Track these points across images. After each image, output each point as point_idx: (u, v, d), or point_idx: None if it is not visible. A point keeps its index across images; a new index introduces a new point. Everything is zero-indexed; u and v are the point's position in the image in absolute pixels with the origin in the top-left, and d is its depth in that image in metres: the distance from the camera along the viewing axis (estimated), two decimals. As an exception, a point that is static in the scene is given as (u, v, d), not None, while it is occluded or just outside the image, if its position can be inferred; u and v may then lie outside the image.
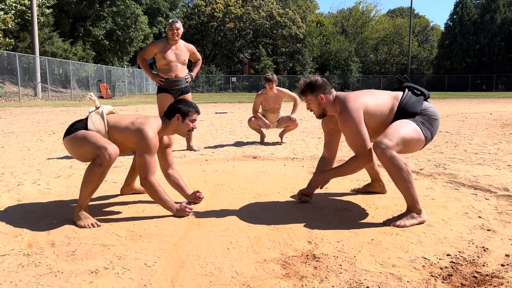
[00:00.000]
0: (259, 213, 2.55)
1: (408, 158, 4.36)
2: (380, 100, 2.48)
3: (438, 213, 2.52)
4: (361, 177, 3.45)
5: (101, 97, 23.66)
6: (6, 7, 19.32)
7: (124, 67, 32.37)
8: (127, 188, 3.00)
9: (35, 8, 19.67)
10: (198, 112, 2.61)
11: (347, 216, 2.48)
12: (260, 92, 5.60)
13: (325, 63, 50.73)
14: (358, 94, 2.51)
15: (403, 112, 2.45)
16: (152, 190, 2.45)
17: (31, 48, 20.69)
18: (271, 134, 6.34)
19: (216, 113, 12.30)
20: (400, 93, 2.55)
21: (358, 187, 3.12)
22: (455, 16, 44.46)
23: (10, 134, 6.99)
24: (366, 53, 52.30)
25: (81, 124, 2.51)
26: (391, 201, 2.74)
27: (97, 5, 29.30)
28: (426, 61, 50.59)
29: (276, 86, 5.49)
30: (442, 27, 52.37)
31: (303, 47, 48.36)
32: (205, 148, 5.28)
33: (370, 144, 2.44)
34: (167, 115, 2.57)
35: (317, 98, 2.53)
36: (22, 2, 20.03)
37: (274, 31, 50.14)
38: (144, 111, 12.83)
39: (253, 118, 5.49)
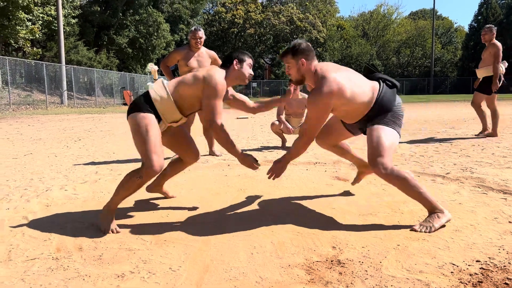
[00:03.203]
0: (282, 218, 2.55)
1: (434, 162, 4.27)
2: (360, 89, 2.41)
3: (466, 218, 2.45)
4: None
5: (125, 104, 24.09)
6: (34, 18, 19.95)
7: (147, 74, 32.91)
8: (156, 187, 3.00)
9: (61, 18, 20.23)
10: (252, 58, 2.67)
11: (372, 221, 2.45)
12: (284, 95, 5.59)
13: (346, 66, 50.37)
14: (340, 75, 2.37)
15: (379, 108, 2.43)
16: (220, 133, 2.48)
17: (57, 57, 21.27)
18: (293, 138, 6.32)
19: (237, 118, 12.35)
20: (376, 85, 2.50)
21: (356, 182, 3.13)
22: (479, 17, 43.51)
23: (38, 140, 7.19)
24: (388, 56, 51.72)
25: (141, 99, 2.51)
26: (416, 206, 2.68)
27: (121, 14, 29.95)
28: (450, 63, 49.67)
29: (301, 91, 5.48)
30: (466, 28, 51.28)
31: (324, 51, 48.16)
32: (227, 153, 5.30)
33: (317, 132, 2.48)
34: (224, 64, 2.60)
35: (298, 62, 2.43)
36: (49, 12, 20.63)
37: (294, 36, 50.13)
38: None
39: (275, 122, 5.49)
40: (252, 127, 9.06)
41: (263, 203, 2.88)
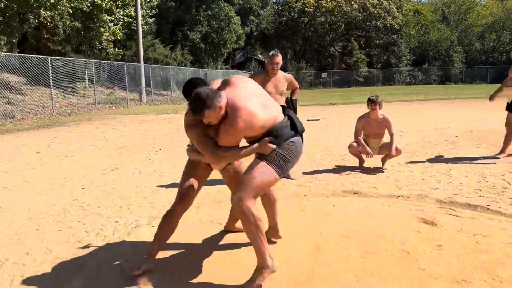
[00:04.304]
0: (366, 280, 2.46)
1: (481, 191, 3.89)
2: (267, 116, 2.37)
3: None
4: (479, 232, 3.15)
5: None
6: (115, 19, 21.15)
7: (218, 69, 33.68)
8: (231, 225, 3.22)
9: (140, 19, 21.24)
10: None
11: (468, 294, 2.29)
12: (362, 115, 5.40)
13: (423, 54, 47.64)
14: (249, 110, 2.28)
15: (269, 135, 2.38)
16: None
17: (136, 55, 22.43)
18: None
19: (308, 120, 12.20)
20: (281, 117, 2.46)
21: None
22: None
23: (122, 150, 7.65)
24: (470, 42, 48.03)
25: None
26: (518, 273, 2.46)
27: (194, 10, 30.81)
28: (543, 48, 44.96)
29: (380, 108, 5.25)
30: None
31: (399, 38, 45.91)
32: (303, 174, 5.26)
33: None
34: None
35: (216, 110, 2.29)
36: (129, 13, 21.75)
37: (367, 23, 48.31)
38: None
39: (354, 144, 5.32)
40: (325, 134, 8.89)
41: (346, 257, 2.80)
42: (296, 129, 2.47)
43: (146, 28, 24.17)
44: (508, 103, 5.79)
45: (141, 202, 4.25)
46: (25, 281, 2.58)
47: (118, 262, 2.80)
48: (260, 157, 2.42)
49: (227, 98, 2.32)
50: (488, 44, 47.56)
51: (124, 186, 4.98)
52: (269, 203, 2.89)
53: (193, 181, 2.70)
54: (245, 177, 2.38)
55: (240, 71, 38.19)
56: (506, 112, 5.83)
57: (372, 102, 5.21)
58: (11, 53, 16.91)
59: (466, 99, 18.94)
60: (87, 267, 2.71)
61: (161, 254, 2.79)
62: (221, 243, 3.10)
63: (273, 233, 3.00)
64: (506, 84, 5.72)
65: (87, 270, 2.68)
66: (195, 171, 2.74)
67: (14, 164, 6.62)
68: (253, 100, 2.36)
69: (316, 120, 12.24)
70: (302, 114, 13.96)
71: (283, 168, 2.43)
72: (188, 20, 31.09)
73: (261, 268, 2.38)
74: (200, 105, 2.28)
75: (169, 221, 2.64)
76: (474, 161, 5.66)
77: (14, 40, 18.51)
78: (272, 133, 2.39)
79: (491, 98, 6.01)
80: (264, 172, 2.38)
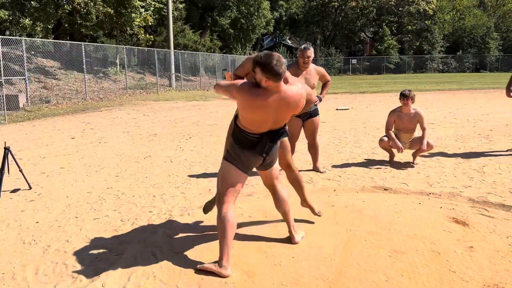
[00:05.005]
0: (396, 281, 2.48)
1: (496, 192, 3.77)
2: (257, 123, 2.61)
3: None
4: (511, 234, 3.10)
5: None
6: (146, 4, 21.36)
7: (246, 55, 33.58)
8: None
9: (170, 4, 21.38)
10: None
11: (499, 299, 2.27)
12: (394, 109, 5.33)
13: (457, 41, 46.05)
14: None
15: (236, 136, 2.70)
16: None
17: (166, 41, 22.66)
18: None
19: (337, 109, 12.10)
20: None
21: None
22: None
23: (154, 137, 7.83)
24: (508, 28, 46.10)
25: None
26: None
27: (223, -5, 30.73)
28: None
29: (413, 102, 5.17)
30: None
31: (433, 24, 44.50)
32: (332, 167, 5.26)
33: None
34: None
35: (259, 76, 2.49)
36: (159, -1, 21.94)
37: (400, 8, 46.99)
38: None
39: (385, 138, 5.27)
40: (354, 125, 8.82)
41: (375, 255, 2.82)
42: (253, 148, 2.66)
43: (176, 14, 24.33)
44: None
45: (174, 192, 4.37)
46: (67, 269, 2.73)
47: (152, 254, 2.92)
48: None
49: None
50: (527, 31, 45.54)
51: (156, 175, 5.12)
52: (278, 203, 3.00)
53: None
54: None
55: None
56: None
57: (404, 97, 5.13)
58: (46, 39, 17.39)
59: (501, 89, 18.26)
60: (124, 258, 2.84)
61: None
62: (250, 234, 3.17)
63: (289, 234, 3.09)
64: None
65: (124, 260, 2.81)
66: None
67: (51, 149, 6.89)
68: (261, 112, 2.57)
69: (345, 109, 12.11)
70: (331, 103, 13.85)
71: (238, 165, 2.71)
72: (217, 5, 31.05)
73: (218, 262, 2.60)
74: (260, 60, 2.45)
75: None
76: (508, 158, 5.51)
77: (50, 26, 19.00)
78: (234, 134, 2.70)
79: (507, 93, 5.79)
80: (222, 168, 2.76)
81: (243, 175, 2.73)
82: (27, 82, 13.64)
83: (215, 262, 2.62)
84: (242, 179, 2.73)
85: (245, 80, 2.84)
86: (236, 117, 2.78)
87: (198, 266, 2.63)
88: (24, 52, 13.42)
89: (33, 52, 16.41)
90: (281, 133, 2.71)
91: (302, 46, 4.64)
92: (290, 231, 3.04)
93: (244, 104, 2.53)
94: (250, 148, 2.65)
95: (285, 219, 3.02)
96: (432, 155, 5.72)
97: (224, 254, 2.57)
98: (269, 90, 2.49)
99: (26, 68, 13.60)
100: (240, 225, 3.27)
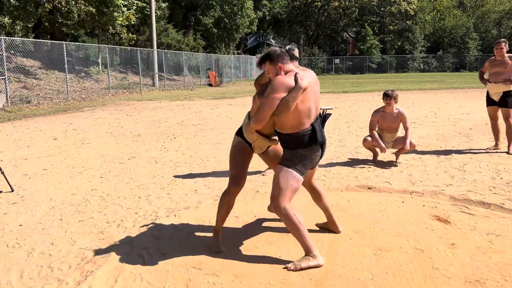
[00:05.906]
0: (381, 278, 2.53)
1: (495, 188, 3.90)
2: (298, 121, 2.62)
3: None
4: (492, 231, 3.19)
5: (210, 85, 24.89)
6: (129, 3, 21.15)
7: (230, 54, 33.55)
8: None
9: (153, 3, 21.21)
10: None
11: (480, 295, 2.34)
12: (377, 109, 5.42)
13: (438, 41, 46.88)
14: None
15: (296, 139, 2.65)
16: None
17: (149, 40, 22.47)
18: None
19: (321, 109, 12.19)
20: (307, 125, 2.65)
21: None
22: None
23: (138, 138, 7.77)
24: (487, 29, 47.10)
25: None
26: (530, 275, 2.50)
27: (207, -6, 30.62)
28: None
29: (396, 102, 5.26)
30: None
31: (414, 24, 45.20)
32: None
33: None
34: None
35: (276, 67, 2.62)
36: (142, -2, 21.75)
37: (381, 8, 47.55)
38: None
39: (368, 138, 5.34)
40: (338, 125, 8.91)
41: (360, 254, 2.87)
42: (316, 140, 2.67)
43: (159, 13, 24.13)
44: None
45: (159, 193, 4.36)
46: (53, 272, 2.70)
47: (139, 255, 2.91)
48: (281, 162, 2.71)
49: (295, 71, 2.61)
50: (505, 31, 46.56)
51: (141, 176, 5.09)
52: (318, 197, 3.14)
53: (243, 164, 2.93)
54: (273, 185, 2.68)
55: (252, 56, 37.97)
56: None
57: (387, 97, 5.22)
58: (26, 38, 17.05)
59: (480, 88, 18.68)
60: (110, 260, 2.82)
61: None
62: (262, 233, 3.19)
63: (332, 226, 3.23)
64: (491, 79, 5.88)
65: (110, 262, 2.79)
66: (242, 155, 2.94)
67: (33, 150, 6.78)
68: (310, 96, 2.63)
69: (329, 108, 12.21)
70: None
71: (302, 170, 2.69)
72: (201, 4, 30.92)
73: (307, 254, 2.66)
74: (265, 57, 2.66)
75: (227, 201, 2.91)
76: (488, 156, 5.66)
77: (30, 25, 18.65)
78: (290, 138, 2.66)
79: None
80: (286, 176, 2.66)
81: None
82: (6, 82, 13.37)
83: (304, 257, 2.66)
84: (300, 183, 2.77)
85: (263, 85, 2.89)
86: (279, 135, 2.76)
87: (291, 267, 2.61)
88: (3, 51, 13.15)
89: (12, 51, 16.06)
90: (325, 115, 2.85)
91: (287, 47, 4.67)
92: (333, 222, 3.20)
93: (308, 89, 2.58)
94: (311, 142, 2.65)
95: (327, 211, 3.18)
96: (415, 154, 5.83)
97: (309, 245, 2.66)
98: (296, 72, 2.62)
99: (5, 68, 13.33)
100: (226, 227, 3.29)
